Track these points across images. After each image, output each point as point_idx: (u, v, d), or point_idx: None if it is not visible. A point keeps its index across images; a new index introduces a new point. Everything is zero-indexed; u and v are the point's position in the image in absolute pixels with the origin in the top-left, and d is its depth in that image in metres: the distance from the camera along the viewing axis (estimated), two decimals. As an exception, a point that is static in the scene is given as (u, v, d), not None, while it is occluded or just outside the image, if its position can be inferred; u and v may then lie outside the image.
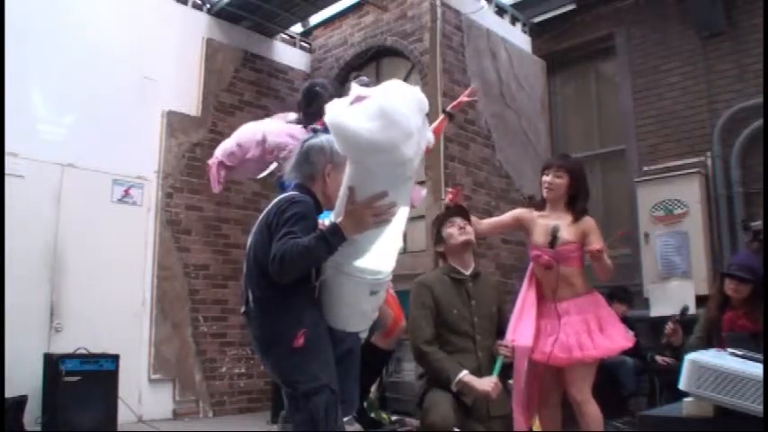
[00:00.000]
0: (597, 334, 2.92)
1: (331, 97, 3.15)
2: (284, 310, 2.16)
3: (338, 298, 2.23)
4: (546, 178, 3.14)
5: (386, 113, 1.98)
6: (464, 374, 2.83)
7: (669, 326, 3.52)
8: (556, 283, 3.00)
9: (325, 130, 2.33)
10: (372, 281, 2.20)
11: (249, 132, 3.35)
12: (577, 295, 3.01)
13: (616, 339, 2.97)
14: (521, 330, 3.00)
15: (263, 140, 3.25)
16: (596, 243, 2.96)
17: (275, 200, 2.30)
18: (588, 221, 3.09)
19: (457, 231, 3.14)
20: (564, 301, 2.99)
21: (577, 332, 2.91)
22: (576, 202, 3.10)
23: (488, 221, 3.48)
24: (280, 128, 3.30)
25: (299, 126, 3.25)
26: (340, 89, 3.40)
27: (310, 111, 3.24)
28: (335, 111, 2.09)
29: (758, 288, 3.50)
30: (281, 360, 2.18)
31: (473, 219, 3.26)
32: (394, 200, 2.12)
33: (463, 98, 3.49)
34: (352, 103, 2.08)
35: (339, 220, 2.12)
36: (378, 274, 2.21)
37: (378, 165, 2.06)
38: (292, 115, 3.41)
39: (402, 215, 2.25)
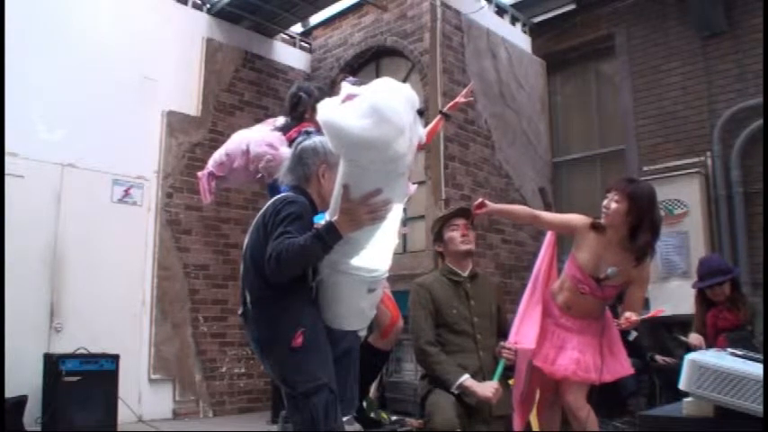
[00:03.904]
0: (608, 357, 2.85)
1: (316, 101, 3.16)
2: (282, 310, 2.16)
3: (335, 297, 2.23)
4: (604, 201, 2.80)
5: (377, 110, 1.98)
6: (464, 379, 2.83)
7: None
8: (578, 303, 2.88)
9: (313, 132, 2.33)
10: (369, 278, 2.21)
11: (236, 142, 3.39)
12: (594, 318, 2.91)
13: (624, 364, 2.93)
14: (524, 332, 2.92)
15: (247, 150, 3.29)
16: (635, 309, 2.74)
17: (271, 200, 2.30)
18: (642, 270, 2.80)
19: (459, 237, 3.12)
20: (578, 319, 2.89)
21: (593, 354, 2.82)
22: (637, 236, 2.70)
23: (548, 218, 3.11)
24: (261, 137, 3.32)
25: (279, 134, 3.27)
26: (330, 92, 3.41)
27: (295, 115, 3.28)
28: (327, 109, 2.09)
29: (734, 280, 3.87)
30: (280, 360, 2.18)
31: (524, 208, 3.19)
32: (388, 196, 2.12)
33: (460, 99, 3.49)
34: (343, 102, 2.08)
35: (334, 218, 2.11)
36: (374, 272, 2.21)
37: (371, 162, 2.05)
38: (281, 119, 3.42)
39: (397, 212, 2.25)
